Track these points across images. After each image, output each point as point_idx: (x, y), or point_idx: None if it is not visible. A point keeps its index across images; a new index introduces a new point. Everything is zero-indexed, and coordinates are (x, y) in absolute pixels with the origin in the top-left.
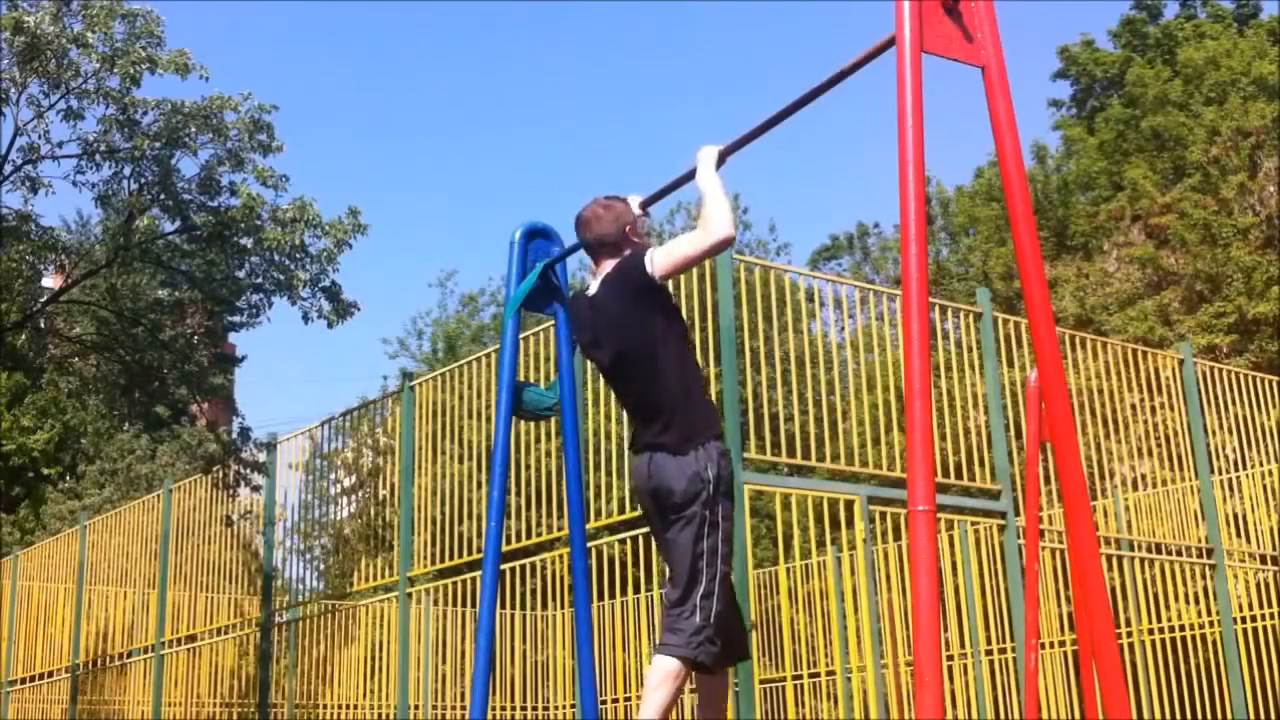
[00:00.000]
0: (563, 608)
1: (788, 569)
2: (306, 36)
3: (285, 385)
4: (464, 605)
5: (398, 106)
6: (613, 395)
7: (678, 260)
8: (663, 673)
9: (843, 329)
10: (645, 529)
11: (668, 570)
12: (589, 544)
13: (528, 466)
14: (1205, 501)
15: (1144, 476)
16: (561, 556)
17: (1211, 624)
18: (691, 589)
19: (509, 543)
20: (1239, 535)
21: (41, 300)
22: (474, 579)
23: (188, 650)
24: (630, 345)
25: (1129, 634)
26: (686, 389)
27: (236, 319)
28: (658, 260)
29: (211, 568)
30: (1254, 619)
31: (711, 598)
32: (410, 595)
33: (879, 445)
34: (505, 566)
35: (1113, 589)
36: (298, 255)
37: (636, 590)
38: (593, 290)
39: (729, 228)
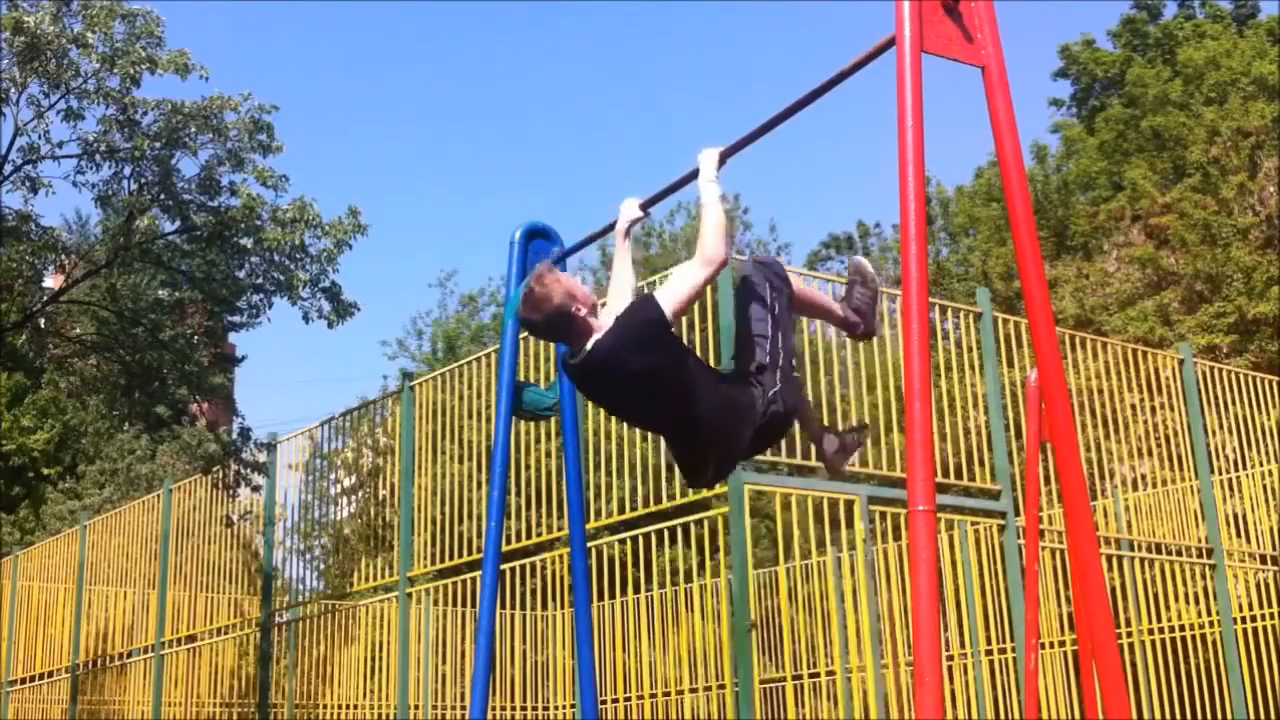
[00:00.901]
0: (563, 608)
1: (788, 569)
2: (306, 36)
3: (285, 385)
4: (464, 605)
5: (398, 106)
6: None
7: (686, 298)
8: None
9: None
10: (645, 529)
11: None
12: (589, 544)
13: (528, 466)
14: (1205, 501)
15: (1144, 476)
16: (561, 556)
17: (1211, 624)
18: None
19: (509, 543)
20: (1239, 535)
21: (41, 300)
22: (474, 579)
23: (188, 650)
24: (663, 389)
25: (1129, 634)
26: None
27: (236, 319)
28: (666, 303)
29: (211, 568)
30: (1254, 619)
31: None
32: (410, 595)
33: (879, 445)
34: (505, 566)
35: (1113, 589)
36: (298, 255)
37: (636, 590)
38: (584, 354)
39: (723, 251)
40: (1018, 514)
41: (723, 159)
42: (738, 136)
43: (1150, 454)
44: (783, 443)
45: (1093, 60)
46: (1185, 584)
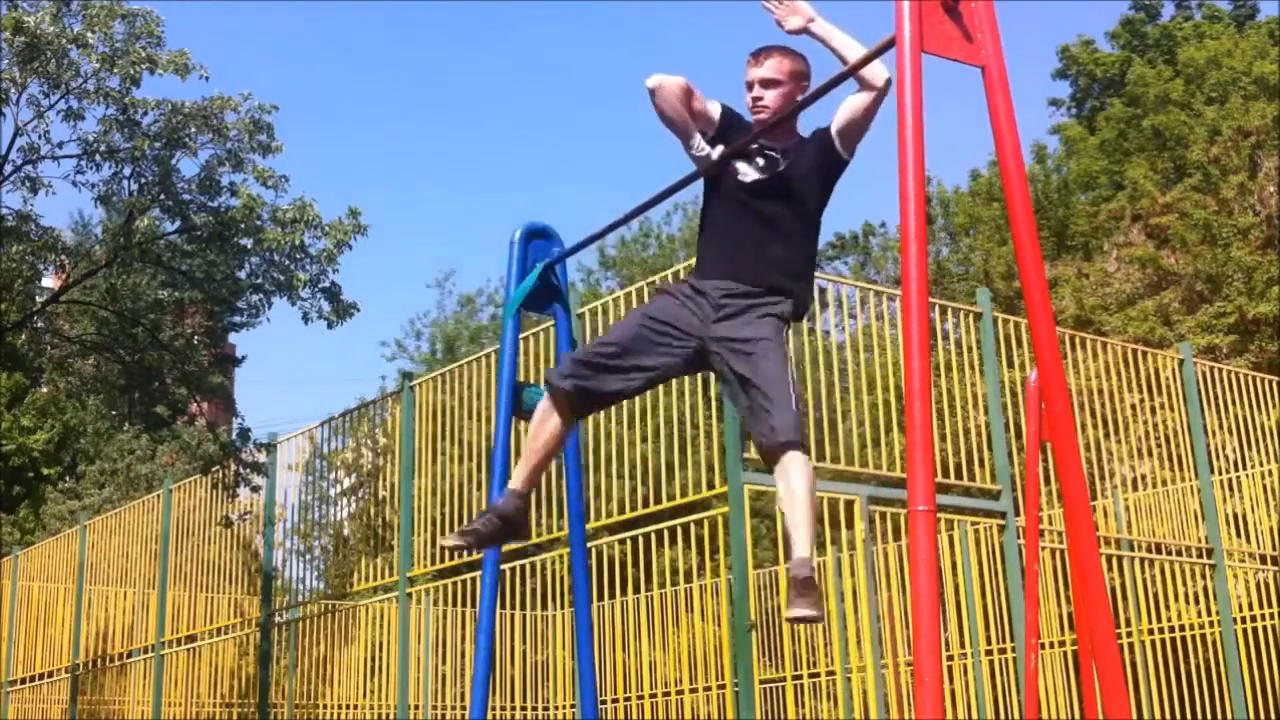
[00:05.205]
0: (563, 608)
1: (788, 569)
2: (306, 36)
3: (285, 385)
4: (464, 605)
5: (398, 106)
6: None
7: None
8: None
9: (843, 329)
10: (645, 529)
11: None
12: (589, 544)
13: None
14: (1205, 501)
15: (1144, 476)
16: (561, 556)
17: (1211, 624)
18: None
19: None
20: (1239, 535)
21: (41, 300)
22: (474, 579)
23: (188, 650)
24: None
25: (1129, 634)
26: None
27: (236, 319)
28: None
29: (211, 568)
30: (1254, 619)
31: None
32: (410, 595)
33: (879, 445)
34: (505, 566)
35: (1113, 589)
36: (298, 256)
37: (636, 590)
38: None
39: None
40: (1018, 514)
41: (723, 159)
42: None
43: (1150, 454)
44: None
45: (1092, 61)
46: (1185, 584)
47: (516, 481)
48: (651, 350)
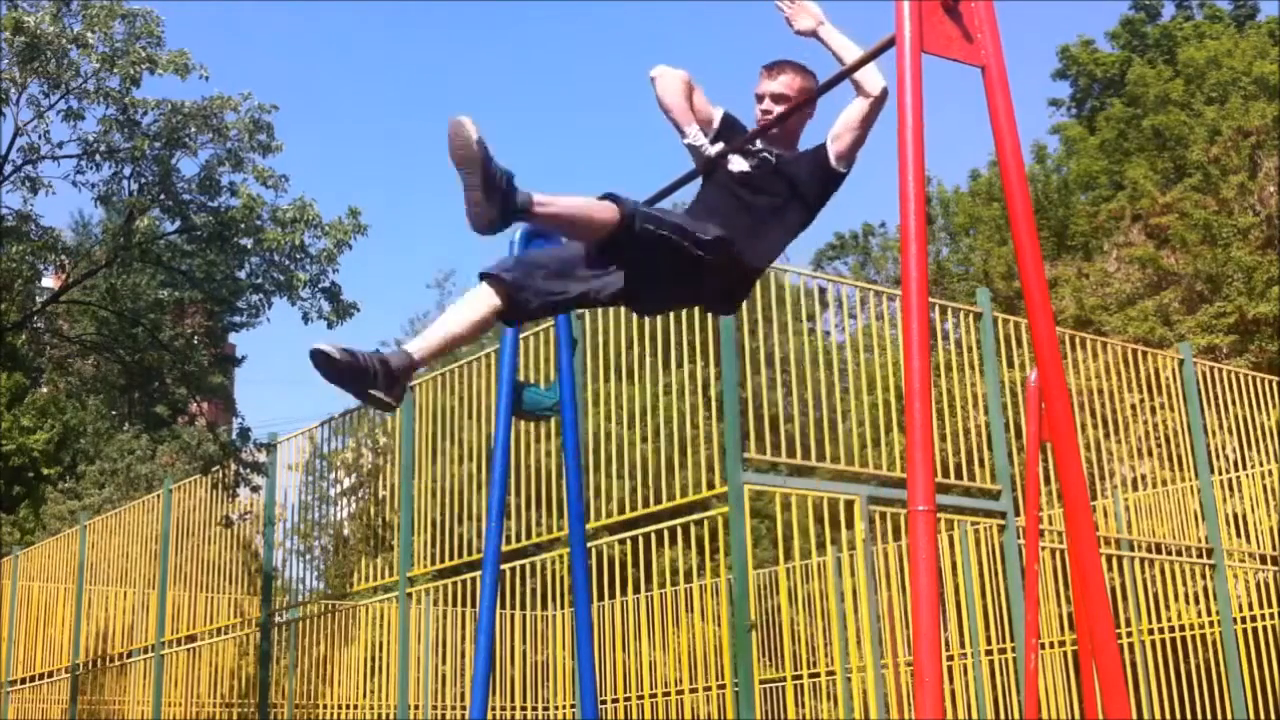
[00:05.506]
0: (563, 608)
1: (788, 570)
2: (306, 36)
3: (285, 385)
4: (464, 605)
5: (398, 106)
6: (613, 394)
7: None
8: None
9: (843, 329)
10: (645, 529)
11: None
12: (589, 544)
13: (528, 466)
14: (1205, 501)
15: (1144, 476)
16: (561, 556)
17: (1211, 624)
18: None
19: (509, 543)
20: (1239, 535)
21: (41, 300)
22: (474, 579)
23: (188, 650)
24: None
25: (1129, 634)
26: None
27: (236, 319)
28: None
29: (211, 568)
30: (1254, 619)
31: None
32: (410, 595)
33: (879, 445)
34: (505, 567)
35: (1113, 589)
36: (298, 255)
37: (636, 590)
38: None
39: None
40: (1018, 514)
41: (721, 155)
42: (739, 138)
43: (1150, 454)
44: (783, 443)
45: (1092, 61)
46: (1185, 584)
47: (415, 346)
48: (597, 262)
